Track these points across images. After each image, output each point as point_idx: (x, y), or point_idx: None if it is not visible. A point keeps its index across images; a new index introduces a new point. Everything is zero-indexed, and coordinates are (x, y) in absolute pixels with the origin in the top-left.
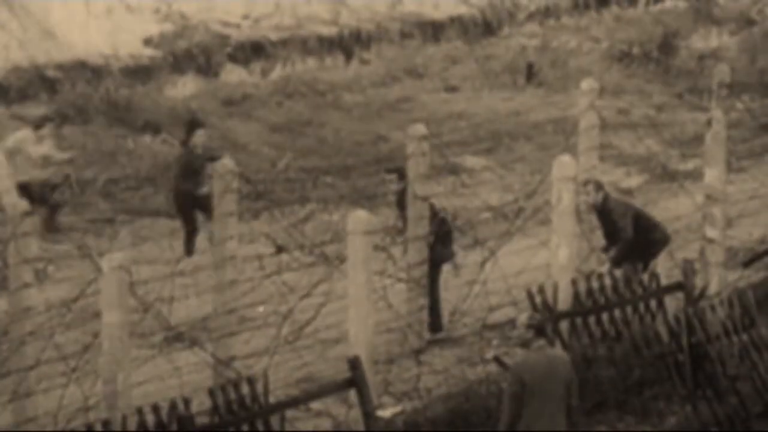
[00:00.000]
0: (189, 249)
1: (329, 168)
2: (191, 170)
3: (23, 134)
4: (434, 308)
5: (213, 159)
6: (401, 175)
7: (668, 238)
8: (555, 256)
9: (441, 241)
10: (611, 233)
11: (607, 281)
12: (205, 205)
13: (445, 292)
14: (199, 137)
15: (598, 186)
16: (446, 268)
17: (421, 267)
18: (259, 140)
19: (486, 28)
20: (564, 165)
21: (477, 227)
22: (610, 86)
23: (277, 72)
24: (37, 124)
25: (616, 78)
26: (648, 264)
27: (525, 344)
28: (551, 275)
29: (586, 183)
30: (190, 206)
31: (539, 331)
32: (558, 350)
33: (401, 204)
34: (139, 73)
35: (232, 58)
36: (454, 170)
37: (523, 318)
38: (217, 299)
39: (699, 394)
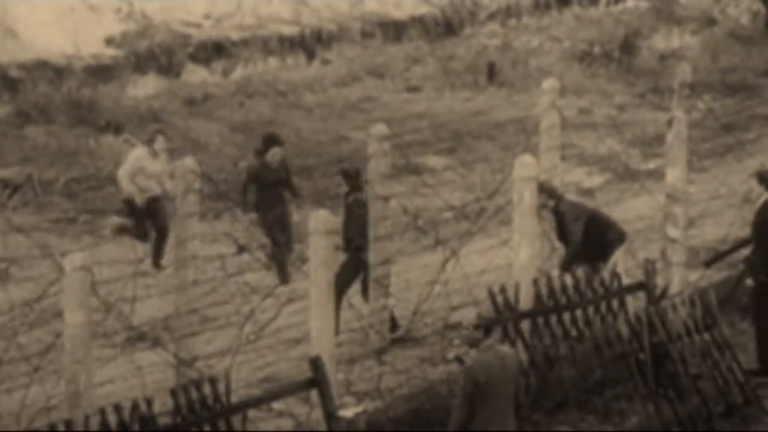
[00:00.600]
0: (283, 275)
1: (291, 168)
2: (264, 186)
3: (140, 152)
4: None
5: (285, 180)
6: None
7: (624, 237)
8: (516, 255)
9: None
10: (563, 236)
11: (569, 281)
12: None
13: (407, 293)
14: (275, 154)
15: (551, 193)
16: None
17: (383, 267)
18: (221, 140)
19: (447, 27)
20: (525, 165)
21: (439, 227)
22: (571, 86)
23: (238, 72)
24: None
25: (578, 78)
26: (604, 262)
27: (473, 344)
28: (513, 275)
29: (540, 189)
30: (277, 228)
31: (487, 330)
32: (505, 347)
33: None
34: (101, 72)
35: (194, 58)
36: (416, 170)
37: (470, 318)
38: (179, 299)
39: (661, 394)
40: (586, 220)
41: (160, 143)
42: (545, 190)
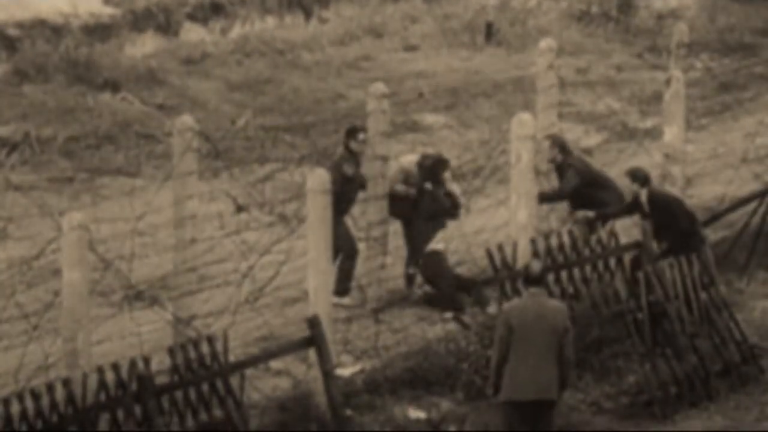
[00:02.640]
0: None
1: (289, 126)
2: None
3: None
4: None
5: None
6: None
7: (622, 201)
8: (514, 215)
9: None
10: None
11: (566, 240)
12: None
13: (404, 250)
14: (360, 142)
15: (562, 147)
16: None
17: (380, 226)
18: (219, 99)
19: None
20: (523, 123)
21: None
22: (569, 45)
23: (236, 30)
24: None
25: (576, 37)
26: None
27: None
28: (511, 234)
29: (552, 143)
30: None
31: (532, 279)
32: (554, 301)
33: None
34: (99, 31)
35: (192, 17)
36: (414, 128)
37: (535, 265)
38: (178, 258)
39: (658, 353)
40: (588, 180)
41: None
42: (557, 144)
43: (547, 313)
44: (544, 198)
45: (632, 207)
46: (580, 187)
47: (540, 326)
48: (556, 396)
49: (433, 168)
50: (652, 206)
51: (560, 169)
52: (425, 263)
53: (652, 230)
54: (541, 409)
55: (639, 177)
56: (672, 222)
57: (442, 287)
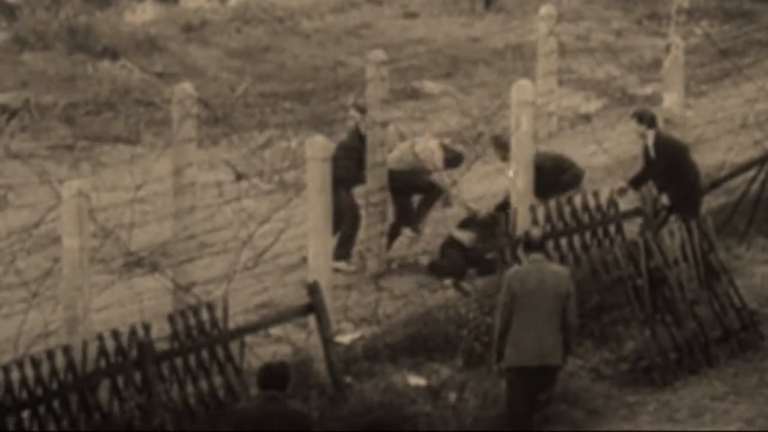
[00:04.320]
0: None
1: (288, 93)
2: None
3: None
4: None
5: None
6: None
7: (579, 179)
8: (514, 182)
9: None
10: None
11: (566, 207)
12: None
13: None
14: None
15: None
16: None
17: (379, 193)
18: (218, 66)
19: None
20: (523, 89)
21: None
22: (568, 12)
23: None
24: None
25: (575, 4)
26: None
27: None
28: (510, 201)
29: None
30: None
31: (537, 245)
32: (556, 266)
33: None
34: None
35: None
36: (414, 95)
37: (535, 232)
38: (177, 225)
39: (657, 319)
40: (538, 164)
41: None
42: (500, 146)
43: (548, 278)
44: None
45: (646, 155)
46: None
47: (542, 292)
48: (560, 361)
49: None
50: (658, 150)
51: None
52: (444, 250)
53: (657, 180)
54: (545, 374)
55: (645, 118)
56: (678, 169)
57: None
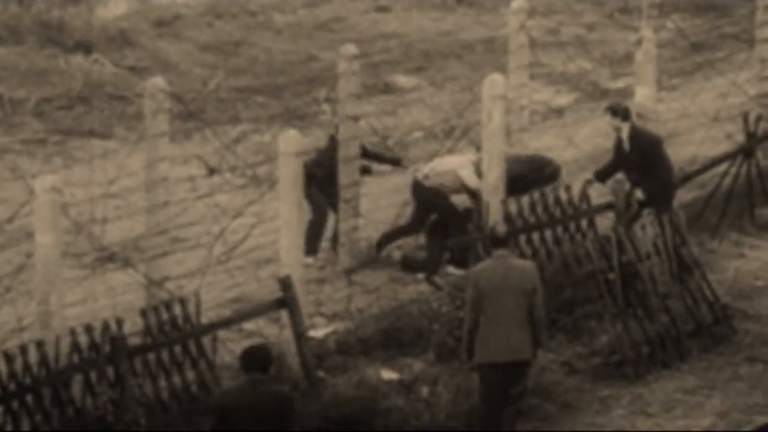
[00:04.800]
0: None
1: (260, 87)
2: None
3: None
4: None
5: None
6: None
7: (557, 175)
8: (486, 175)
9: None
10: None
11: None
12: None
13: (376, 212)
14: None
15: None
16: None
17: (352, 188)
18: (191, 60)
19: None
20: (494, 84)
21: (408, 147)
22: (540, 6)
23: None
24: None
25: None
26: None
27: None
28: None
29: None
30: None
31: (497, 241)
32: (522, 261)
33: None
34: None
35: None
36: (386, 90)
37: (500, 227)
38: (150, 220)
39: (630, 313)
40: (516, 172)
41: None
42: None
43: (514, 273)
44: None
45: (618, 148)
46: None
47: (508, 287)
48: (530, 355)
49: None
50: (633, 143)
51: None
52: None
53: (631, 174)
54: (515, 369)
55: (619, 111)
56: (653, 162)
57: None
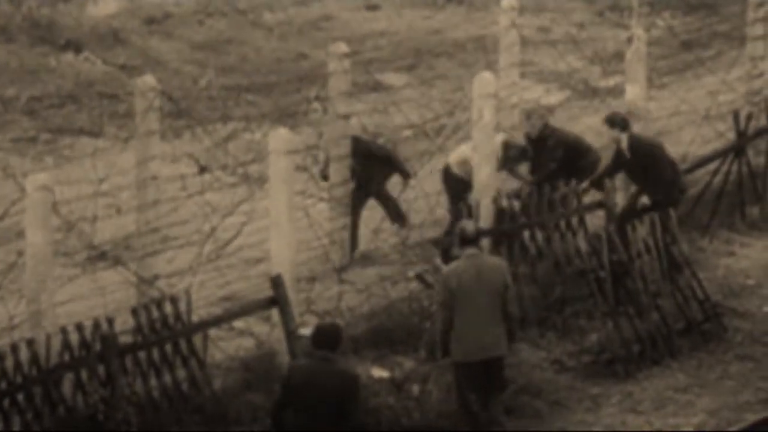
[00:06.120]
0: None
1: (251, 86)
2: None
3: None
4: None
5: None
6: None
7: (598, 162)
8: (476, 174)
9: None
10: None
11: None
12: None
13: (367, 211)
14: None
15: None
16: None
17: (342, 187)
18: (181, 58)
19: None
20: (484, 82)
21: (399, 145)
22: (530, 4)
23: None
24: None
25: None
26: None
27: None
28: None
29: (528, 116)
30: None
31: (467, 240)
32: (492, 258)
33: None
34: None
35: None
36: (376, 88)
37: (469, 226)
38: (141, 218)
39: (620, 311)
40: (560, 138)
41: None
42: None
43: (485, 272)
44: (538, 183)
45: (617, 157)
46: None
47: (480, 286)
48: (505, 351)
49: None
50: (634, 152)
51: (536, 140)
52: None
53: (635, 181)
54: (491, 366)
55: (617, 122)
56: (655, 169)
57: None
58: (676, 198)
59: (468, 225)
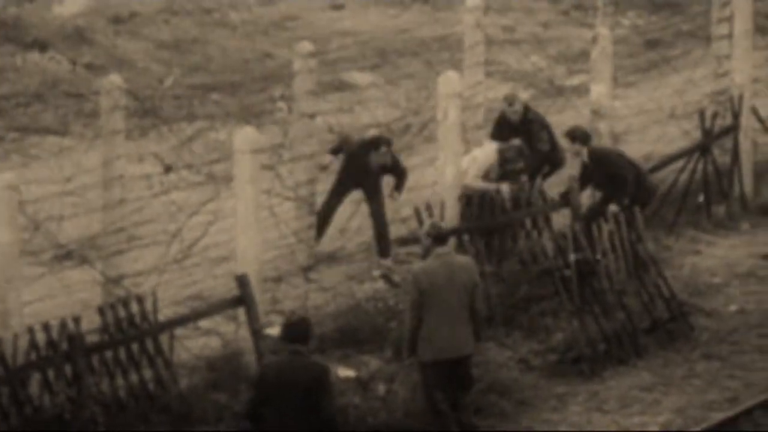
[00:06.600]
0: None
1: (216, 85)
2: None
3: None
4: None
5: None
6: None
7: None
8: (442, 173)
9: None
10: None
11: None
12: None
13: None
14: (381, 156)
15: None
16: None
17: (308, 186)
18: (147, 57)
19: None
20: (449, 81)
21: None
22: (495, 3)
23: None
24: None
25: None
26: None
27: (426, 253)
28: (438, 193)
29: (506, 98)
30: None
31: (440, 239)
32: (461, 257)
33: None
34: None
35: None
36: (341, 87)
37: (426, 226)
38: (107, 218)
39: (586, 310)
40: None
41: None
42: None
43: (456, 271)
44: (535, 171)
45: (583, 171)
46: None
47: (452, 285)
48: (473, 349)
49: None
50: (595, 163)
51: (520, 123)
52: None
53: (602, 190)
54: (459, 364)
55: (579, 136)
56: (618, 175)
57: None
58: (645, 200)
59: (439, 223)
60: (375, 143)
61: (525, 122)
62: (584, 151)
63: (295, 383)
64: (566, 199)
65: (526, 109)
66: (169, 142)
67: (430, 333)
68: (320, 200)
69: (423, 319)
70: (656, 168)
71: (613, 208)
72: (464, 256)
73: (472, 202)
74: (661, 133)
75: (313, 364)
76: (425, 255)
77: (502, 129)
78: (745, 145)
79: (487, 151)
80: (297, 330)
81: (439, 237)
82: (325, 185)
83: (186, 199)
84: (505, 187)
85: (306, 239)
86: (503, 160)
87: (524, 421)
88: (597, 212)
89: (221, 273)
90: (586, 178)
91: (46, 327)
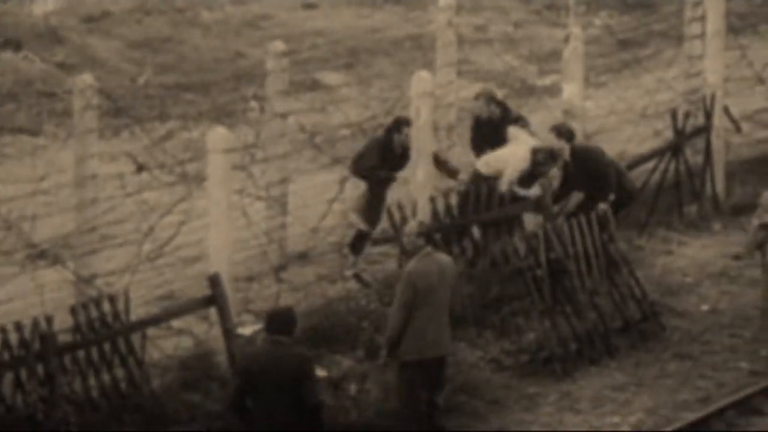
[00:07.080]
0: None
1: (189, 84)
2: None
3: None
4: None
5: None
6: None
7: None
8: (413, 173)
9: None
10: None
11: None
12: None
13: (304, 210)
14: (404, 138)
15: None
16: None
17: (280, 186)
18: (119, 57)
19: None
20: (422, 81)
21: (336, 145)
22: (467, 3)
23: None
24: None
25: None
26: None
27: (415, 251)
28: (410, 193)
29: (478, 96)
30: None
31: (427, 238)
32: (443, 255)
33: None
34: None
35: None
36: (314, 87)
37: (412, 225)
38: (79, 217)
39: (558, 310)
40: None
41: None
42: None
43: (445, 269)
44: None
45: (565, 171)
46: None
47: (442, 284)
48: (452, 348)
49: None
50: (577, 160)
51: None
52: None
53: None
54: (438, 363)
55: (564, 133)
56: (601, 173)
57: None
58: (624, 202)
59: (423, 222)
60: (396, 126)
61: (508, 120)
62: (566, 148)
63: (279, 373)
64: (538, 200)
65: (504, 108)
66: (142, 141)
67: (417, 332)
68: (292, 200)
69: (409, 318)
70: (628, 168)
71: (602, 206)
72: (444, 255)
73: (469, 197)
74: (633, 133)
75: (295, 354)
76: (412, 254)
77: (482, 130)
78: (717, 145)
79: (520, 154)
80: (281, 320)
81: (428, 235)
82: (296, 185)
83: (158, 199)
84: (530, 218)
85: (278, 239)
86: (535, 162)
87: (496, 422)
88: (580, 211)
89: (193, 273)
90: (569, 177)
91: (18, 326)
